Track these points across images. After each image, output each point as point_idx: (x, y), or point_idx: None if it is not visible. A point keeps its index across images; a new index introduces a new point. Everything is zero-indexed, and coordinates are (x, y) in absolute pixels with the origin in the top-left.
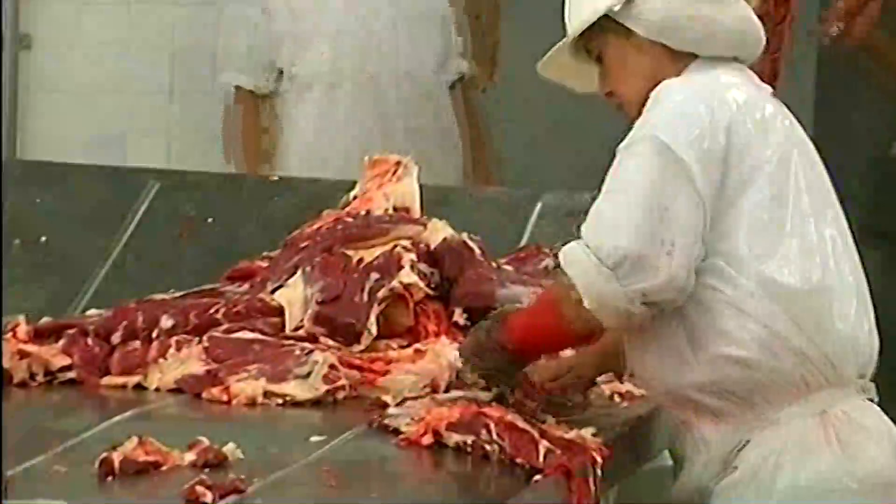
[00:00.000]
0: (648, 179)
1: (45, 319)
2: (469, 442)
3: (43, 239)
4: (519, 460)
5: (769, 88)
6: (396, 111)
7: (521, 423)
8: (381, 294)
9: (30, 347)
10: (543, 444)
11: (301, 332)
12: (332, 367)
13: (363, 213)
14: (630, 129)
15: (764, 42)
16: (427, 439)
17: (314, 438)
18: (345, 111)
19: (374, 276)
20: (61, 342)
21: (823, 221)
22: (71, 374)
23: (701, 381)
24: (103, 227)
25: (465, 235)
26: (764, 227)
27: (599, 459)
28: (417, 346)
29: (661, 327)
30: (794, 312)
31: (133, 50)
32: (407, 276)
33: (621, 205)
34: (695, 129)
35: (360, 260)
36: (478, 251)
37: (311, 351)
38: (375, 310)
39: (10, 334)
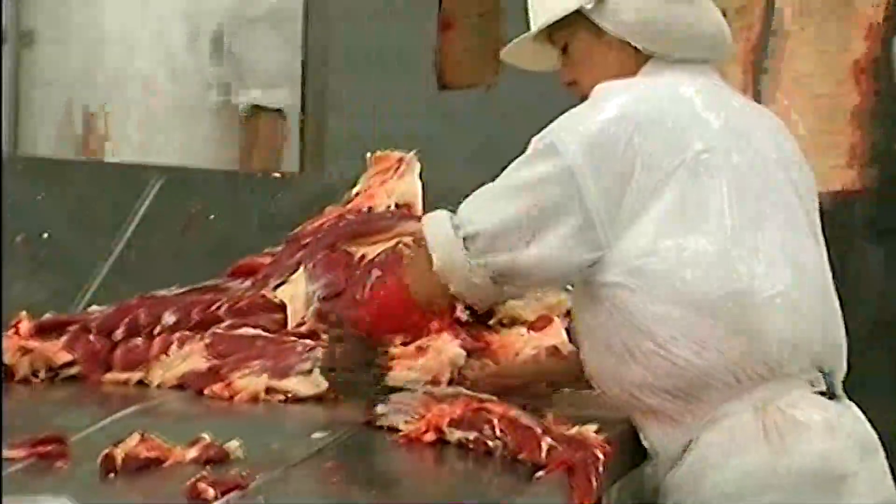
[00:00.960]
0: (534, 175)
1: (48, 316)
2: (472, 438)
3: (45, 235)
4: (522, 456)
5: (728, 89)
6: None
7: (524, 420)
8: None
9: (32, 344)
10: (546, 441)
11: (303, 329)
12: None
13: (365, 209)
14: None
15: (730, 44)
16: (430, 436)
17: (316, 435)
18: None
19: (377, 272)
20: (64, 338)
21: (760, 225)
22: (73, 371)
23: (639, 380)
24: (106, 224)
25: None
26: (678, 234)
27: (602, 456)
28: (419, 342)
29: (603, 326)
30: (713, 317)
31: (136, 45)
32: None
33: (500, 188)
34: (595, 138)
35: (363, 256)
36: None
37: (314, 347)
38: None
39: (12, 330)
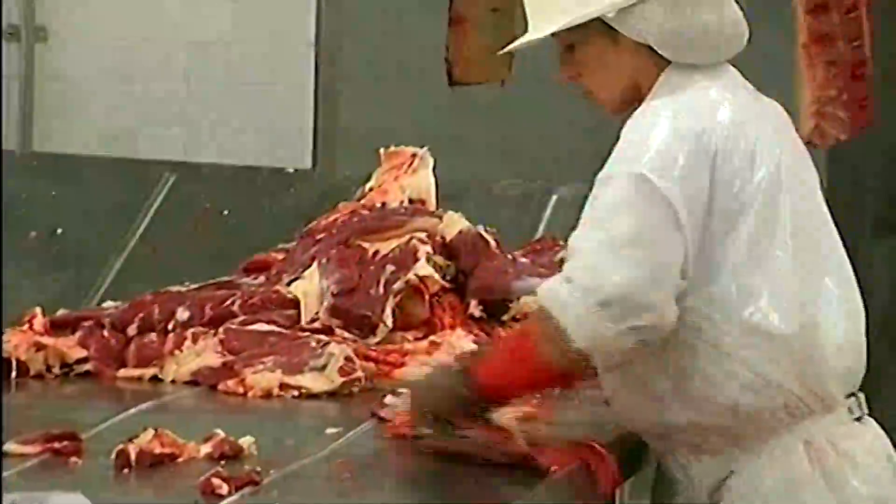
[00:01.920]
0: (633, 216)
1: (62, 311)
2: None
3: (59, 231)
4: (495, 452)
5: (748, 88)
6: None
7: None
8: (396, 286)
9: (46, 339)
10: (521, 440)
11: (317, 325)
12: (347, 359)
13: (379, 205)
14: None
15: (748, 35)
16: (407, 430)
17: (329, 431)
18: None
19: (390, 268)
20: (77, 334)
21: (813, 249)
22: (87, 367)
23: (683, 423)
24: (119, 220)
25: (480, 228)
26: (749, 267)
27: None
28: (433, 338)
29: (642, 366)
30: (780, 355)
31: (149, 42)
32: (423, 268)
33: (606, 242)
34: (679, 166)
35: (376, 252)
36: (493, 243)
37: (327, 343)
38: (391, 302)
39: (26, 326)
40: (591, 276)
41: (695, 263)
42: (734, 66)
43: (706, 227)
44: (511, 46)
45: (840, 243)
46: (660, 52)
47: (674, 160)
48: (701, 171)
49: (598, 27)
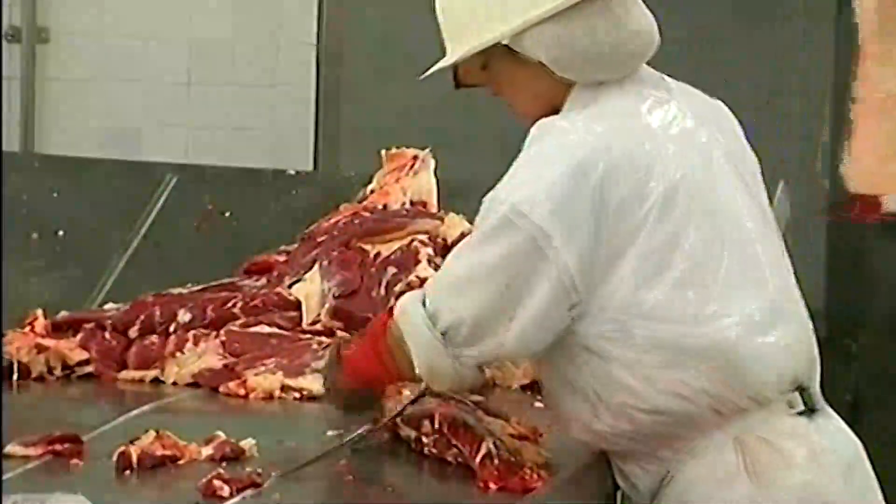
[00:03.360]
0: (500, 248)
1: (63, 313)
2: (412, 437)
3: (60, 233)
4: (452, 456)
5: (658, 86)
6: None
7: (468, 422)
8: (398, 288)
9: (47, 341)
10: (487, 445)
11: (318, 327)
12: None
13: (380, 207)
14: None
15: (658, 40)
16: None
17: (331, 433)
18: None
19: (392, 270)
20: (79, 336)
21: (722, 248)
22: (88, 368)
23: (612, 429)
24: (121, 221)
25: None
26: (653, 277)
27: (530, 486)
28: None
29: (571, 373)
30: (696, 359)
31: (151, 42)
32: (424, 270)
33: (466, 269)
34: (559, 197)
35: (378, 254)
36: None
37: (329, 345)
38: (392, 304)
39: (28, 328)
40: (441, 301)
41: (588, 284)
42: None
43: (595, 250)
44: (428, 72)
45: (780, 247)
46: (558, 72)
47: (552, 194)
48: (583, 201)
49: (502, 49)
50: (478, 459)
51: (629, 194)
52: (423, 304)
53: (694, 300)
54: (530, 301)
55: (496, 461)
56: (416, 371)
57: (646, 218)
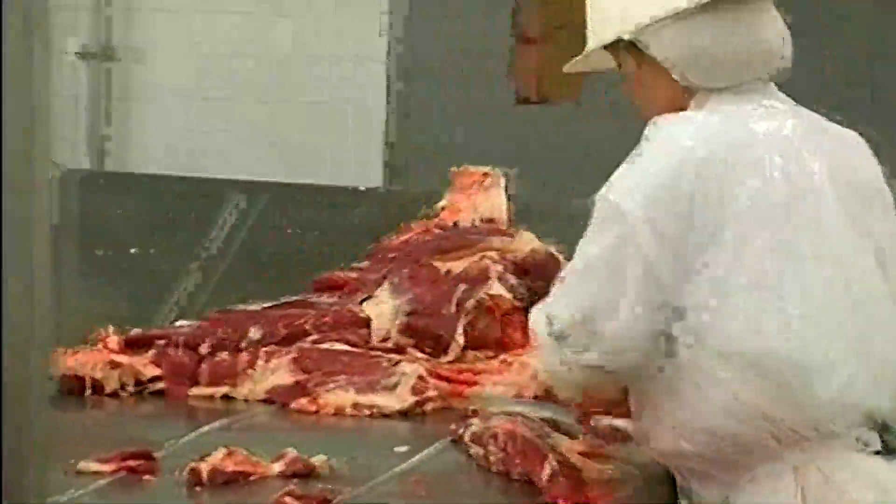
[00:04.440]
0: (599, 244)
1: (136, 330)
2: (480, 454)
3: (132, 250)
4: (518, 474)
5: (784, 108)
6: None
7: (531, 439)
8: (468, 305)
9: (120, 358)
10: (550, 464)
11: (389, 344)
12: (420, 378)
13: (451, 224)
14: None
15: (790, 54)
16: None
17: (402, 449)
18: None
19: (462, 287)
20: (151, 353)
21: (806, 264)
22: (160, 385)
23: (675, 449)
24: (192, 239)
25: (552, 247)
26: (731, 289)
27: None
28: (504, 357)
29: (649, 387)
30: (761, 378)
31: (222, 60)
32: (494, 287)
33: (574, 271)
34: (651, 191)
35: (448, 271)
36: (564, 262)
37: (399, 362)
38: (463, 321)
39: (100, 345)
40: (554, 304)
41: (675, 285)
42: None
43: (683, 250)
44: (568, 66)
45: (879, 275)
46: (675, 76)
47: (644, 187)
48: (678, 202)
49: (629, 48)
50: (544, 477)
51: (717, 197)
52: (546, 312)
53: (763, 312)
54: (626, 299)
55: (562, 478)
56: (541, 376)
57: (729, 222)
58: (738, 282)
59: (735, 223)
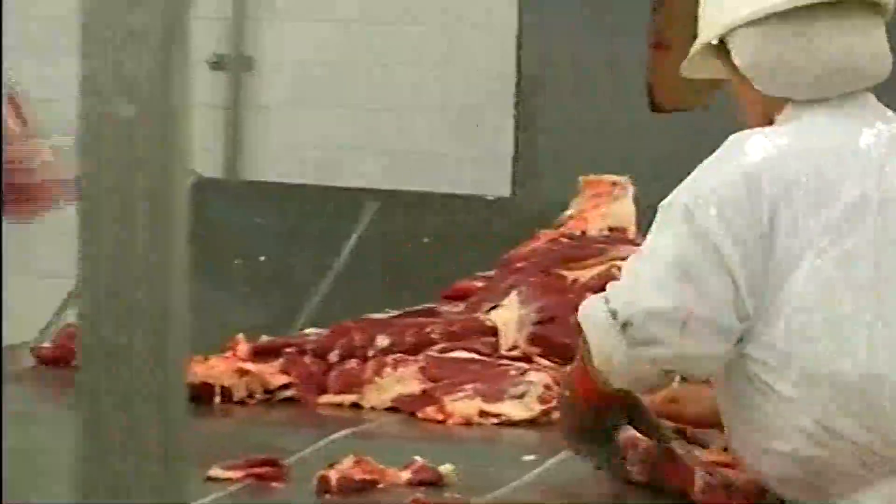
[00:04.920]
0: (676, 246)
1: (264, 338)
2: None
3: (262, 258)
4: (670, 486)
5: (887, 123)
6: None
7: (676, 450)
8: None
9: (249, 366)
10: (701, 476)
11: (516, 352)
12: (546, 387)
13: (579, 233)
14: None
15: (888, 64)
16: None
17: (530, 458)
18: None
19: (590, 296)
20: (280, 361)
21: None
22: (289, 393)
23: (761, 472)
24: (322, 247)
25: None
26: (812, 310)
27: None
28: None
29: (733, 406)
30: (847, 402)
31: (352, 69)
32: None
33: (646, 266)
34: (726, 201)
35: (576, 281)
36: None
37: (527, 371)
38: None
39: (230, 353)
40: (623, 296)
41: (754, 295)
42: None
43: (763, 263)
44: (683, 72)
45: None
46: (752, 82)
47: (724, 203)
48: (754, 213)
49: (724, 53)
50: (697, 488)
51: (804, 212)
52: (606, 301)
53: (851, 334)
54: (700, 301)
55: (715, 490)
56: (595, 363)
57: (818, 239)
58: (819, 302)
59: (812, 241)
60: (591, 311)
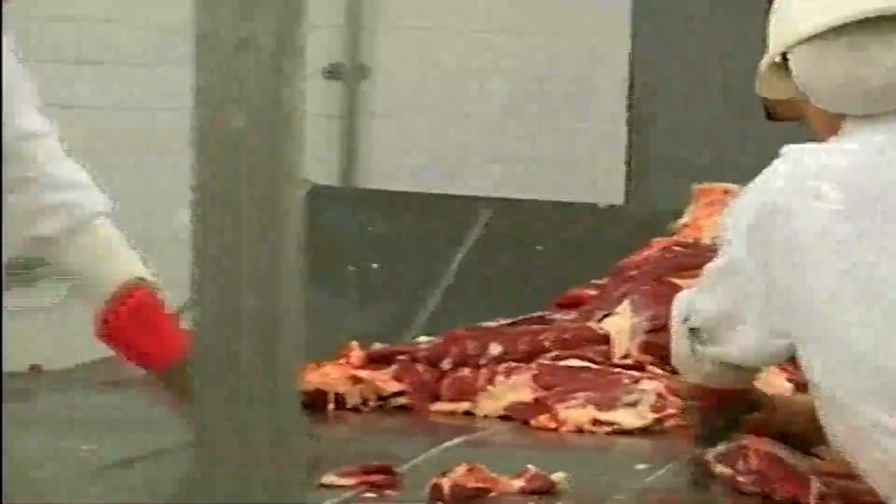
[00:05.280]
0: (720, 263)
1: (378, 345)
2: (727, 474)
3: (375, 266)
4: (784, 497)
5: None
6: None
7: (788, 459)
8: None
9: (363, 373)
10: (816, 486)
11: (628, 361)
12: (659, 395)
13: (692, 241)
14: None
15: None
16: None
17: (642, 467)
18: None
19: None
20: (392, 368)
21: None
22: (402, 400)
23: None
24: (436, 255)
25: None
26: (853, 310)
27: None
28: None
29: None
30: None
31: (464, 78)
32: None
33: (710, 270)
34: (750, 222)
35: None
36: None
37: (640, 379)
38: None
39: (344, 360)
40: (692, 299)
41: (791, 312)
42: None
43: (788, 280)
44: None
45: None
46: (811, 99)
47: (745, 215)
48: (771, 228)
49: (788, 74)
50: (812, 500)
51: (830, 224)
52: (678, 300)
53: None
54: (744, 318)
55: (831, 500)
56: (672, 360)
57: (847, 247)
58: (866, 309)
59: (853, 251)
60: (674, 310)
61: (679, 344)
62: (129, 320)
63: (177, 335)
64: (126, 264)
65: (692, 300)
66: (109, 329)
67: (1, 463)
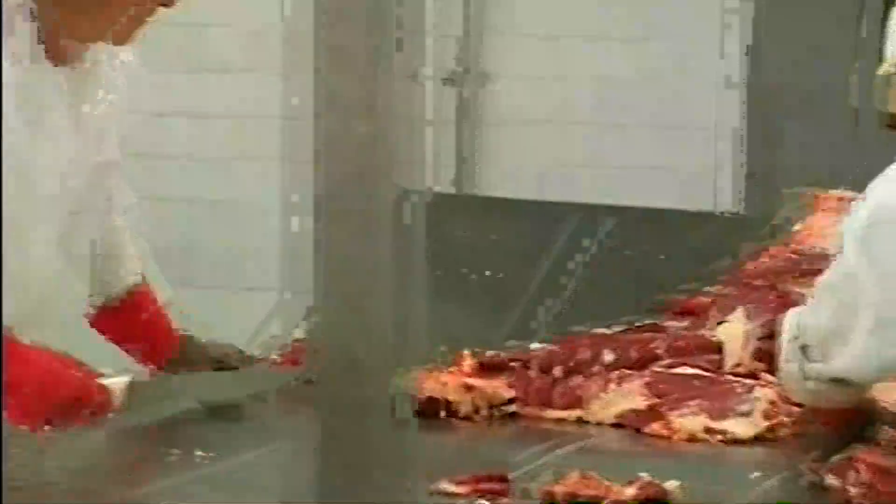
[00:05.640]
0: (833, 275)
1: (490, 353)
2: (836, 485)
3: (487, 273)
4: None
5: None
6: None
7: None
8: None
9: (475, 381)
10: None
11: (741, 369)
12: (772, 402)
13: (809, 248)
14: None
15: None
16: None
17: (755, 475)
18: None
19: None
20: (505, 375)
21: None
22: (514, 407)
23: None
24: (547, 262)
25: None
26: None
27: None
28: None
29: None
30: None
31: (574, 85)
32: None
33: (819, 289)
34: (863, 232)
35: (803, 296)
36: None
37: (753, 387)
38: None
39: (456, 368)
40: (802, 314)
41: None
42: None
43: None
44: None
45: None
46: None
47: (859, 226)
48: (883, 239)
49: None
50: None
51: None
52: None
53: None
54: (857, 331)
55: None
56: (778, 377)
57: None
58: None
59: None
60: (785, 325)
61: (789, 364)
62: (130, 317)
63: (172, 334)
64: (132, 262)
65: (802, 316)
66: (111, 324)
67: (1, 463)
